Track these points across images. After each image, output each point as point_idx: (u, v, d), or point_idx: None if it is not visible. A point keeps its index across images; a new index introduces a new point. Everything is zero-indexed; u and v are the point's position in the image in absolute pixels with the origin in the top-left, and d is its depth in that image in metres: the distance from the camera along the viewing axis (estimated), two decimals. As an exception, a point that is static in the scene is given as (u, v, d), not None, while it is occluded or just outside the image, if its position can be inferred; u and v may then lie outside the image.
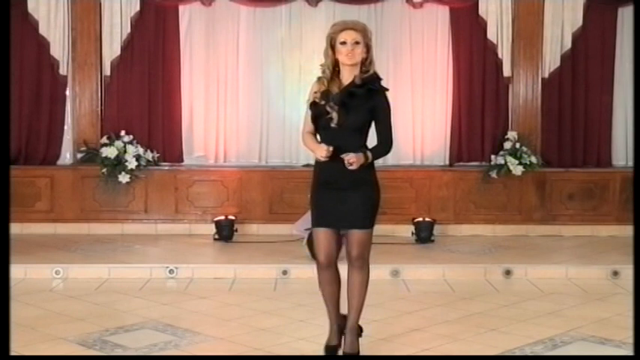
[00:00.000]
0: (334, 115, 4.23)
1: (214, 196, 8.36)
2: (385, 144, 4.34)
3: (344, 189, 4.28)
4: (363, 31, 4.28)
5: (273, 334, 5.05)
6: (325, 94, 4.28)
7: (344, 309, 4.53)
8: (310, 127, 4.40)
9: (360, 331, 4.55)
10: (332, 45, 4.28)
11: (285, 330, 5.14)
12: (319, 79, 4.36)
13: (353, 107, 4.25)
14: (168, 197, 8.37)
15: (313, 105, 4.34)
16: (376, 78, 4.33)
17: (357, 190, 4.30)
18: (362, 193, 4.32)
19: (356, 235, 4.34)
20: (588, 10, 8.51)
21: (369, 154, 4.25)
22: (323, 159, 4.22)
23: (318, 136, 4.38)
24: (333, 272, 4.42)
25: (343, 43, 4.23)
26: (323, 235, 4.36)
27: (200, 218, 8.33)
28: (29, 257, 6.90)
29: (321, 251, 4.37)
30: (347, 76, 4.31)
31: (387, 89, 4.38)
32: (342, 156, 4.14)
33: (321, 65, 4.36)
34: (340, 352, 4.48)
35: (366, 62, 4.31)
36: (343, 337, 4.48)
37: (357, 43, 4.24)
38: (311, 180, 4.47)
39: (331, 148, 4.20)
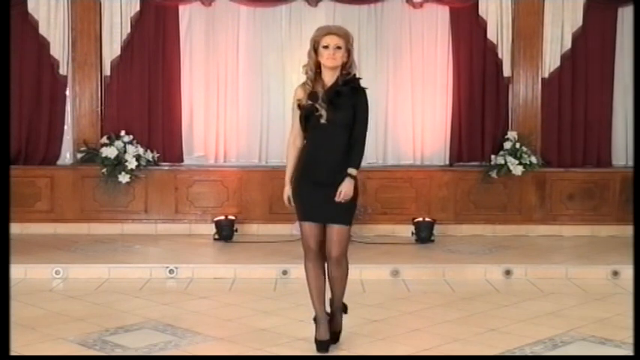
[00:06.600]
0: (323, 112, 4.50)
1: (214, 196, 8.36)
2: (358, 143, 4.56)
3: (327, 185, 4.52)
4: (345, 36, 4.56)
5: (273, 334, 5.05)
6: (313, 95, 4.54)
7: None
8: (298, 128, 4.63)
9: (345, 308, 4.81)
10: (315, 48, 4.57)
11: (285, 330, 5.14)
12: (303, 84, 4.62)
13: (340, 105, 4.52)
14: (168, 197, 8.37)
15: (302, 106, 4.58)
16: (357, 79, 4.61)
17: (338, 188, 4.51)
18: None
19: (336, 231, 4.57)
20: (588, 10, 8.50)
21: (352, 170, 4.52)
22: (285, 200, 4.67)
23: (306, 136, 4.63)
24: (320, 263, 4.66)
25: (326, 47, 4.51)
26: (310, 227, 4.63)
27: (200, 218, 8.33)
28: (29, 257, 6.90)
29: (311, 239, 4.63)
30: (328, 77, 4.58)
31: (366, 88, 4.64)
32: (336, 199, 4.47)
33: (304, 66, 4.64)
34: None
35: (347, 65, 4.58)
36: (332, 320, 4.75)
37: (338, 47, 4.52)
38: (295, 173, 4.68)
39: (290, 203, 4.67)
